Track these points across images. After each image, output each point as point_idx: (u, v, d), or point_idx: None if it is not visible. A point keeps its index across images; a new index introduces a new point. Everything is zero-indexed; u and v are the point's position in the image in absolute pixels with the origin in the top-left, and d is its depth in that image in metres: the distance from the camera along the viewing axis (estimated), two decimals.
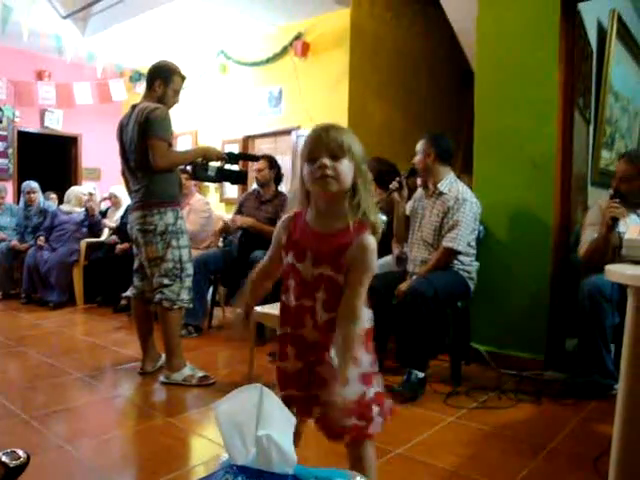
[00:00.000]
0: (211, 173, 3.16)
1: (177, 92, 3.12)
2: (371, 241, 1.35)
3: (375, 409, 1.44)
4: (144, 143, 2.90)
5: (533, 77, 3.27)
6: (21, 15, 5.29)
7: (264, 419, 0.79)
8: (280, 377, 1.52)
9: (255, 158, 3.53)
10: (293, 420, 0.83)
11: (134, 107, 3.05)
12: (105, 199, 6.45)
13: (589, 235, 3.00)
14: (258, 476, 0.76)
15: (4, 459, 1.69)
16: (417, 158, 3.16)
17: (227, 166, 3.24)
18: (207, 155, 3.11)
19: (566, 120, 3.23)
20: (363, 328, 1.38)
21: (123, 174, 3.21)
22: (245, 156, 3.35)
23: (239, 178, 3.58)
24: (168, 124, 2.96)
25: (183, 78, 3.14)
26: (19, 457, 1.72)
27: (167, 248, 2.99)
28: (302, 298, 1.41)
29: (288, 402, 1.19)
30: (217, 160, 3.15)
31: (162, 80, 3.04)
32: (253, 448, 0.79)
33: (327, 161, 1.33)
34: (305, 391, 1.44)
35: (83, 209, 5.88)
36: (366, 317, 1.41)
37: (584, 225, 3.14)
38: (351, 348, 1.33)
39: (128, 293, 4.97)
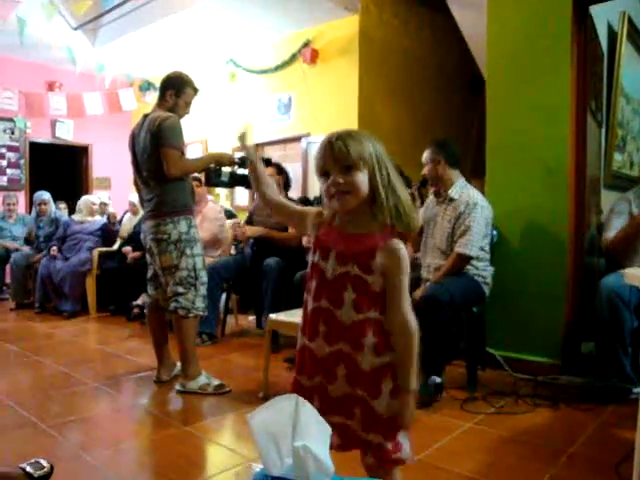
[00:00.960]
0: (224, 178, 3.16)
1: (188, 104, 3.14)
2: (400, 246, 1.31)
3: (402, 432, 1.36)
4: (157, 152, 2.91)
5: (545, 81, 3.26)
6: (34, 28, 5.35)
7: (300, 429, 0.78)
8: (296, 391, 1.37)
9: (267, 162, 3.53)
10: (329, 430, 0.82)
11: (146, 116, 3.07)
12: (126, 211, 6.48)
13: (617, 222, 3.08)
14: None
15: (29, 469, 1.70)
16: (427, 168, 3.16)
17: (240, 171, 3.25)
18: (220, 161, 3.11)
19: (579, 123, 3.22)
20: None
21: (135, 183, 3.22)
22: None
23: (251, 182, 3.59)
24: (180, 132, 2.98)
25: (196, 90, 3.17)
26: (43, 467, 1.73)
27: (181, 257, 3.00)
28: (321, 299, 1.35)
29: None
30: (230, 165, 3.15)
31: (174, 91, 3.07)
32: (288, 459, 0.79)
33: (339, 178, 1.28)
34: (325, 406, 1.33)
35: (96, 218, 5.92)
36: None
37: (610, 214, 3.20)
38: (414, 358, 1.31)
39: (139, 302, 5.01)
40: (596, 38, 3.52)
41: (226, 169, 3.15)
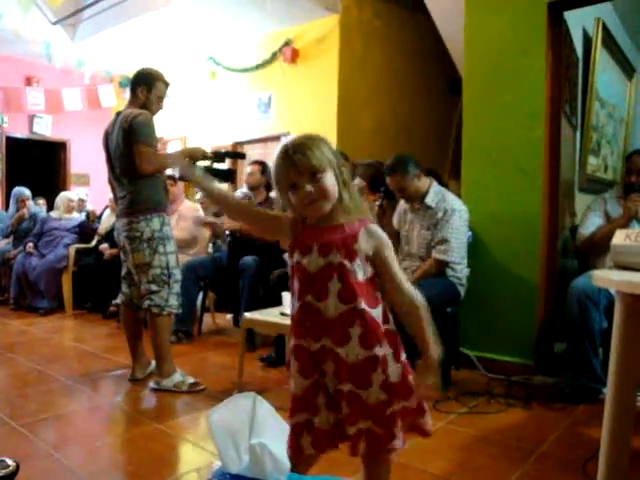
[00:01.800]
0: (198, 173, 3.14)
1: (161, 98, 3.12)
2: (376, 227, 1.35)
3: (399, 424, 1.35)
4: (129, 149, 2.89)
5: (520, 84, 3.30)
6: (11, 21, 5.27)
7: (258, 427, 0.79)
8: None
9: (241, 155, 3.51)
10: (287, 428, 0.83)
11: (118, 114, 3.05)
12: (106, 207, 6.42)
13: (593, 219, 3.18)
14: None
15: None
16: (406, 193, 3.13)
17: (214, 165, 3.23)
18: (193, 155, 3.09)
19: (553, 126, 3.26)
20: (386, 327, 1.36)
21: (110, 182, 3.20)
22: (231, 154, 3.32)
23: (227, 176, 3.56)
24: (152, 129, 2.96)
25: (167, 84, 3.14)
26: (8, 466, 1.71)
27: (154, 254, 2.98)
28: (306, 295, 1.33)
29: (302, 431, 1.21)
30: (203, 160, 3.13)
31: (145, 86, 3.04)
32: (246, 456, 0.79)
33: (309, 187, 1.28)
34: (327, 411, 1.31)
35: (74, 215, 5.86)
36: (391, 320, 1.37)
37: (587, 211, 3.28)
38: (428, 327, 1.36)
39: (118, 300, 4.97)
40: (571, 43, 3.57)
41: (200, 164, 3.12)
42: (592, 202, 3.31)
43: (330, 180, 1.30)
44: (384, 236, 1.35)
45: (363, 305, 1.31)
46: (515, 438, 2.43)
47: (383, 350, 1.34)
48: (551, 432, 2.46)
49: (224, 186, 6.29)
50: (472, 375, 3.31)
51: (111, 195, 5.89)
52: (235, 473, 0.81)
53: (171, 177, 4.14)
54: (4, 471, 1.70)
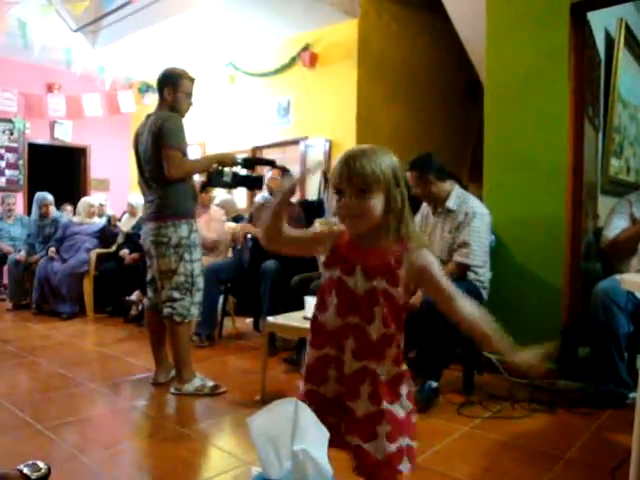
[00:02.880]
0: (226, 179, 3.11)
1: (189, 95, 3.10)
2: (422, 250, 1.32)
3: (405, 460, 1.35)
4: (158, 153, 2.88)
5: (543, 86, 3.27)
6: (34, 29, 5.36)
7: (300, 433, 0.79)
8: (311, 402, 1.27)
9: (271, 163, 3.47)
10: (327, 434, 0.82)
11: (149, 116, 3.05)
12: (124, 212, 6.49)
13: (617, 222, 3.11)
14: None
15: (26, 471, 1.70)
16: (418, 191, 3.11)
17: (242, 171, 3.22)
18: (222, 161, 3.08)
19: (577, 129, 3.23)
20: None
21: (139, 184, 3.21)
22: (260, 161, 3.29)
23: (255, 183, 3.54)
24: (182, 133, 2.94)
25: (192, 80, 3.11)
26: (40, 469, 1.73)
27: (179, 261, 2.97)
28: (349, 315, 1.31)
29: None
30: (232, 166, 3.11)
31: (171, 86, 3.03)
32: (287, 462, 0.79)
33: (353, 200, 1.24)
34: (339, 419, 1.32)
35: (94, 219, 5.92)
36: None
37: (611, 213, 3.22)
38: (496, 338, 1.38)
39: (132, 297, 5.01)
40: (594, 44, 3.54)
41: (228, 170, 3.12)
42: (617, 204, 3.27)
43: (375, 203, 1.25)
44: (430, 253, 1.33)
45: (396, 330, 1.33)
46: (541, 443, 2.40)
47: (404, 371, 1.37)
48: (577, 438, 2.43)
49: (243, 197, 6.36)
50: (495, 379, 3.28)
51: (129, 200, 6.02)
52: (275, 479, 0.80)
53: (205, 184, 4.04)
54: (37, 474, 1.71)
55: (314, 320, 1.38)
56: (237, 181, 3.26)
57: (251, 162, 3.28)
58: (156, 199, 2.98)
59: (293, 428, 0.79)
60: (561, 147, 3.22)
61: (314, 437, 0.81)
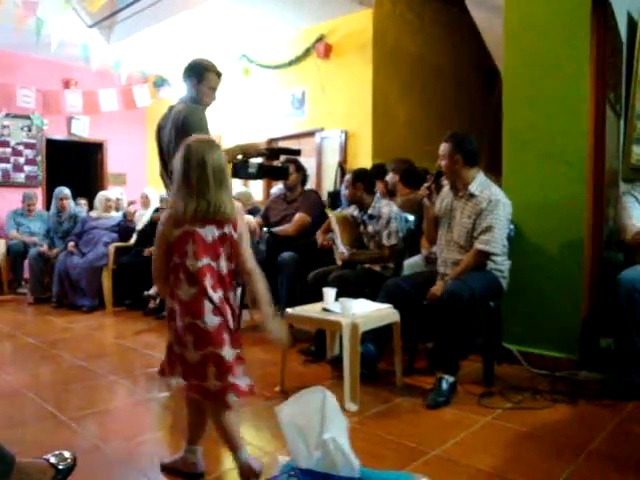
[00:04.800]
0: (252, 170, 3.07)
1: (213, 89, 3.07)
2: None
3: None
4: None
5: (563, 72, 3.22)
6: (51, 26, 5.39)
7: (328, 422, 0.78)
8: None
9: (296, 152, 3.43)
10: (346, 423, 0.82)
11: (171, 108, 3.03)
12: (131, 203, 6.52)
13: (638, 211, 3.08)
14: (324, 479, 0.76)
15: (53, 460, 1.72)
16: (443, 162, 3.08)
17: (268, 162, 3.19)
18: (247, 152, 3.05)
19: (598, 115, 3.17)
20: None
21: (161, 176, 3.21)
22: (285, 151, 3.24)
23: (280, 173, 3.51)
24: (205, 124, 2.92)
25: (219, 74, 3.09)
26: (66, 459, 1.75)
27: None
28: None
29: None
30: (257, 156, 3.08)
31: (196, 79, 3.01)
32: (316, 451, 0.79)
33: None
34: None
35: (112, 214, 5.96)
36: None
37: (623, 207, 3.20)
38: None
39: (151, 292, 5.03)
40: (615, 28, 3.46)
41: (254, 161, 3.09)
42: (624, 199, 3.21)
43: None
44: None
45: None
46: (563, 435, 2.38)
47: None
48: (600, 429, 2.40)
49: (259, 190, 6.36)
50: (515, 370, 3.26)
51: (145, 191, 6.04)
52: (305, 467, 0.80)
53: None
54: (63, 463, 1.73)
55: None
56: (263, 172, 3.23)
57: (276, 152, 3.23)
58: None
59: (322, 417, 0.79)
60: (582, 134, 3.16)
61: (340, 426, 0.80)
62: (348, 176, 3.75)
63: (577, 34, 3.16)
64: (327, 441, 0.76)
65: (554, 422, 2.51)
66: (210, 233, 1.79)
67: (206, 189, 1.76)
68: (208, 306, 1.76)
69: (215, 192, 1.77)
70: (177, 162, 1.82)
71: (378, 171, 4.61)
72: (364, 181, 3.71)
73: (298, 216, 4.22)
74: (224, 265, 1.82)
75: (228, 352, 1.79)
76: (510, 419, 2.53)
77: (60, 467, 1.72)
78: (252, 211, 5.29)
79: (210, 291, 1.76)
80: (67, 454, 1.79)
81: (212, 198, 1.76)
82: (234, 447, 1.84)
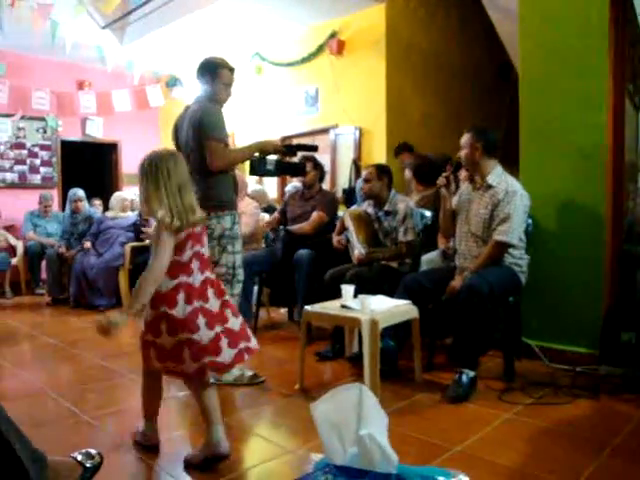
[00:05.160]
0: (270, 167, 3.07)
1: (228, 85, 3.06)
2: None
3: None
4: (200, 146, 2.87)
5: (581, 64, 3.19)
6: (65, 29, 5.42)
7: (364, 418, 0.78)
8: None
9: (313, 148, 3.44)
10: (386, 419, 0.82)
11: (187, 108, 3.03)
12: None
13: None
14: (361, 476, 0.75)
15: (80, 459, 1.74)
16: (463, 152, 3.08)
17: (286, 158, 3.19)
18: (264, 149, 3.04)
19: (617, 108, 3.13)
20: None
21: None
22: (303, 147, 3.24)
23: (298, 170, 3.51)
24: (222, 123, 2.92)
25: (231, 70, 3.08)
26: (93, 457, 1.77)
27: (222, 252, 2.96)
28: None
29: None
30: (274, 153, 3.07)
31: (210, 77, 3.01)
32: (351, 448, 0.78)
33: None
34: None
35: (128, 213, 5.99)
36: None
37: None
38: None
39: None
40: (635, 18, 3.41)
41: (271, 157, 3.08)
42: None
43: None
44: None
45: None
46: (586, 430, 2.36)
47: None
48: (624, 425, 2.38)
49: (273, 188, 6.36)
50: (534, 365, 3.24)
51: None
52: (340, 464, 0.79)
53: None
54: (91, 462, 1.75)
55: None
56: (281, 169, 3.23)
57: (293, 148, 3.22)
58: (199, 191, 2.94)
59: (358, 413, 0.78)
60: (600, 127, 3.13)
61: (377, 422, 0.80)
62: (371, 169, 3.72)
63: (595, 26, 3.13)
64: (363, 437, 0.76)
65: (576, 417, 2.50)
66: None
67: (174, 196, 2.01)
68: (181, 296, 1.96)
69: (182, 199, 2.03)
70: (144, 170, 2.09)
71: (405, 146, 4.70)
72: (389, 176, 3.71)
73: (316, 214, 4.22)
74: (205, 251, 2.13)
75: (205, 335, 1.95)
76: (532, 415, 2.51)
77: (87, 465, 1.74)
78: (267, 209, 5.30)
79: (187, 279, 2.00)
80: (94, 452, 1.81)
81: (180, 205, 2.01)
82: (209, 422, 2.04)
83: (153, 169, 2.00)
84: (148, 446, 2.21)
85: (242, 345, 2.09)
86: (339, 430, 0.81)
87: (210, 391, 2.07)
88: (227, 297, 2.14)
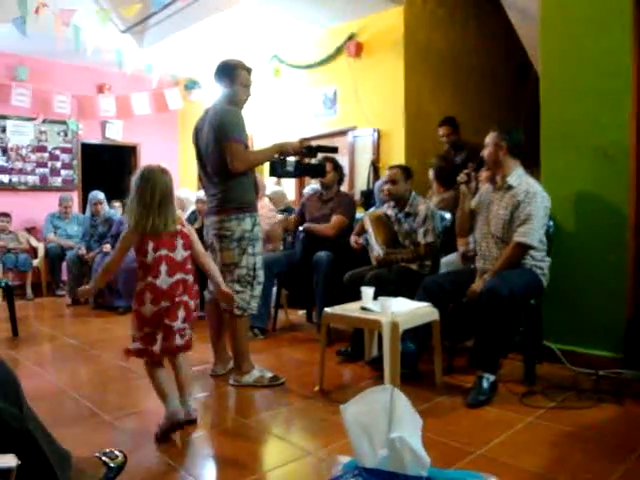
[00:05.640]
0: (290, 168, 3.08)
1: (247, 86, 3.08)
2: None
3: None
4: (220, 148, 2.89)
5: (603, 64, 3.14)
6: (86, 33, 5.49)
7: (396, 421, 0.77)
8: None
9: (333, 149, 3.42)
10: (420, 422, 0.81)
11: (208, 111, 3.05)
12: None
13: None
14: (391, 479, 0.74)
15: (104, 458, 1.75)
16: (487, 151, 3.05)
17: (305, 160, 3.19)
18: (284, 150, 3.05)
19: None
20: None
21: (200, 178, 3.23)
22: (323, 148, 3.25)
23: (318, 171, 3.51)
24: (242, 125, 2.93)
25: (249, 70, 3.10)
26: (117, 456, 1.78)
27: (243, 254, 2.97)
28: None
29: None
30: (294, 155, 3.09)
31: (228, 79, 3.02)
32: (382, 450, 0.78)
33: None
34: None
35: None
36: None
37: None
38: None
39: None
40: None
41: (291, 159, 3.08)
42: None
43: None
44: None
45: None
46: (611, 434, 2.33)
47: None
48: None
49: (291, 190, 6.36)
50: (556, 369, 3.20)
51: (178, 194, 6.08)
52: (370, 467, 0.79)
53: None
54: (115, 462, 1.76)
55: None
56: (301, 170, 3.23)
57: (313, 150, 3.23)
58: (219, 193, 2.98)
59: (389, 416, 0.78)
60: (623, 127, 3.09)
61: (409, 425, 0.79)
62: (396, 170, 3.70)
63: (618, 22, 3.08)
64: (394, 440, 0.75)
65: (600, 422, 2.46)
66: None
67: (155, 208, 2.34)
68: (148, 297, 2.33)
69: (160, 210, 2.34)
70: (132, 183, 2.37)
71: (449, 119, 4.96)
72: (411, 178, 3.72)
73: (337, 218, 4.21)
74: (180, 254, 2.40)
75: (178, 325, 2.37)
76: (554, 419, 2.48)
77: (112, 465, 1.76)
78: (285, 210, 5.30)
79: (163, 277, 2.34)
80: (118, 452, 1.82)
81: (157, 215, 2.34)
82: (161, 398, 2.38)
83: (135, 183, 2.36)
84: (176, 425, 2.33)
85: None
86: (369, 432, 0.80)
87: (159, 371, 2.42)
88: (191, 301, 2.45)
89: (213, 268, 2.59)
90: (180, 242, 2.39)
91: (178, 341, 2.37)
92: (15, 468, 1.15)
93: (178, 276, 2.35)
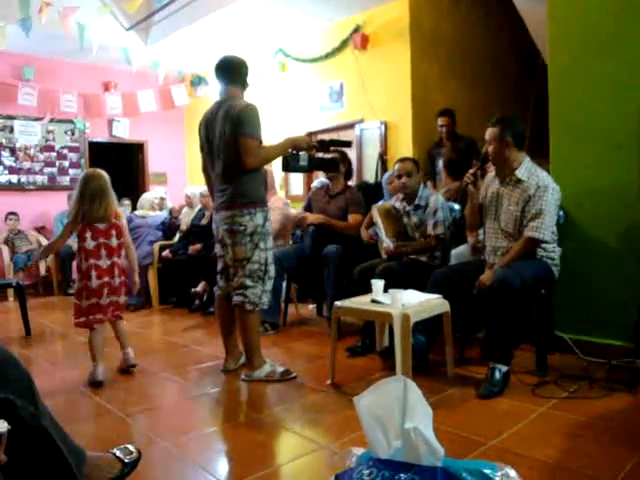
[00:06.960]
0: (303, 163, 3.07)
1: (245, 79, 3.14)
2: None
3: None
4: (235, 141, 2.88)
5: (613, 49, 3.11)
6: (91, 31, 5.50)
7: (409, 412, 0.77)
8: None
9: (347, 144, 3.40)
10: (431, 413, 0.81)
11: (219, 104, 3.03)
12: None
13: None
14: (406, 469, 0.75)
15: (118, 454, 1.77)
16: (491, 147, 2.98)
17: (318, 154, 3.19)
18: (297, 145, 3.05)
19: None
20: None
21: (205, 171, 3.23)
22: (335, 142, 3.23)
23: (331, 165, 3.51)
24: (259, 122, 2.93)
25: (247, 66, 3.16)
26: (131, 452, 1.79)
27: (254, 249, 2.97)
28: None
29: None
30: (307, 149, 3.08)
31: (237, 74, 3.07)
32: (395, 441, 0.78)
33: None
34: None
35: (157, 212, 6.05)
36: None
37: None
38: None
39: (198, 289, 5.10)
40: None
41: (304, 153, 3.08)
42: None
43: None
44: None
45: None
46: (624, 424, 2.32)
47: None
48: None
49: (299, 184, 6.36)
50: (567, 359, 3.19)
51: (186, 192, 6.11)
52: (384, 458, 0.79)
53: None
54: (129, 457, 1.78)
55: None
56: (314, 164, 3.22)
57: (326, 144, 3.21)
58: (230, 187, 2.97)
59: (403, 407, 0.78)
60: (634, 115, 3.05)
61: (422, 415, 0.79)
62: (407, 163, 3.66)
63: (628, 9, 3.05)
64: (409, 431, 0.75)
65: (613, 411, 2.45)
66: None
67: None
68: (94, 274, 3.12)
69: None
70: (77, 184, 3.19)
71: (447, 111, 5.05)
72: (419, 170, 3.72)
73: (354, 217, 4.18)
74: (114, 242, 3.21)
75: (105, 299, 3.16)
76: (567, 409, 2.47)
77: (126, 460, 1.77)
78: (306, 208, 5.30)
79: (104, 259, 3.16)
80: (132, 448, 1.84)
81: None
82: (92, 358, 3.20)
83: (77, 184, 3.19)
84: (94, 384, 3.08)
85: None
86: (383, 423, 0.80)
87: (94, 334, 3.21)
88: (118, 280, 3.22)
89: (132, 257, 3.44)
90: (114, 232, 3.20)
91: (117, 311, 3.26)
92: (5, 433, 1.16)
93: (114, 259, 3.18)
